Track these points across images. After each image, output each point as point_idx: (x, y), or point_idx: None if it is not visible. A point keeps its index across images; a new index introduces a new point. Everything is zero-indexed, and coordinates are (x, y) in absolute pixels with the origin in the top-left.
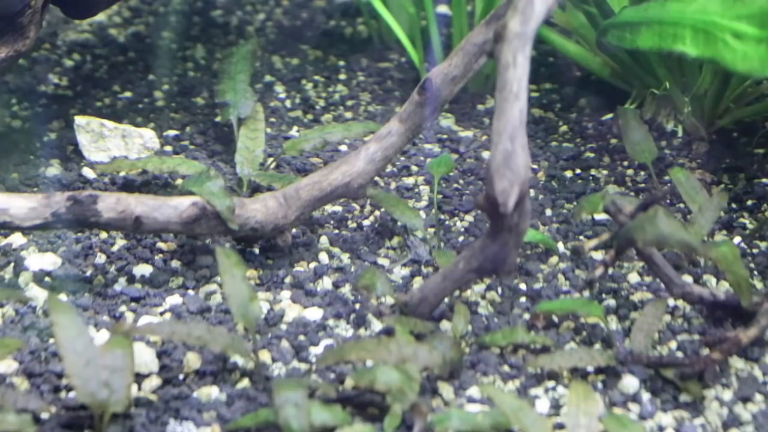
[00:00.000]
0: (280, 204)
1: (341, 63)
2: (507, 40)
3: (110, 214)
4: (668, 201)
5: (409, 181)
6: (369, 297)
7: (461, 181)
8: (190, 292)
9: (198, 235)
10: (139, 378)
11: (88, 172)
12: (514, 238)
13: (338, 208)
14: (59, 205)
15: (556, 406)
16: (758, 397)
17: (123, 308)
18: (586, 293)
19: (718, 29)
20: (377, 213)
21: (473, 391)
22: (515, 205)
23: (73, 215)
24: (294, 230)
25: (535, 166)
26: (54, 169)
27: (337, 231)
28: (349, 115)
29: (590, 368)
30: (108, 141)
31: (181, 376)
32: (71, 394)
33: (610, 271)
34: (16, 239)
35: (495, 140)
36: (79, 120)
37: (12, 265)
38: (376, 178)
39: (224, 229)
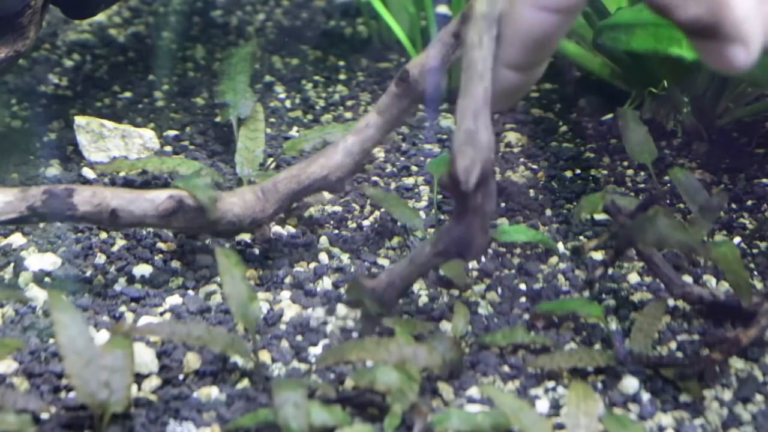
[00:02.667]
0: (258, 197)
1: (341, 63)
2: (473, 20)
3: (86, 207)
4: (668, 201)
5: (409, 181)
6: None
7: None
8: (190, 292)
9: (175, 229)
10: (139, 378)
11: (88, 173)
12: (479, 219)
13: (338, 209)
14: (35, 199)
15: (556, 406)
16: (758, 397)
17: (123, 308)
18: (586, 293)
19: None
20: (377, 213)
21: (473, 392)
22: (478, 183)
23: (49, 209)
24: (295, 230)
25: (535, 166)
26: (54, 169)
27: (337, 231)
28: (349, 115)
29: (590, 368)
30: (108, 141)
31: (181, 377)
32: (71, 394)
33: (610, 271)
34: (16, 239)
35: (458, 119)
36: (79, 120)
37: (12, 265)
38: (376, 178)
39: (202, 223)
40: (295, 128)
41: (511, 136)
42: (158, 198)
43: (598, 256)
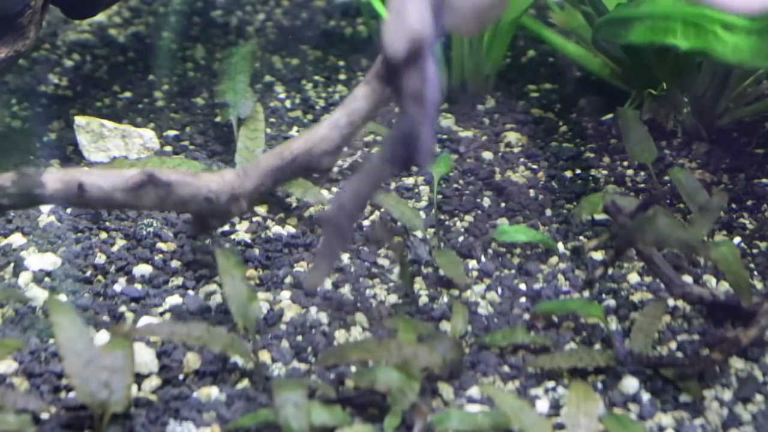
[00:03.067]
0: (238, 175)
1: (341, 63)
2: None
3: (55, 184)
4: (668, 201)
5: (409, 181)
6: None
7: (461, 181)
8: (190, 292)
9: (149, 208)
10: (139, 378)
11: None
12: (421, 108)
13: None
14: (5, 180)
15: (556, 406)
16: (758, 397)
17: (123, 308)
18: (586, 293)
19: (708, 21)
20: (377, 213)
21: (473, 391)
22: (409, 60)
23: (19, 188)
24: (295, 230)
25: (535, 166)
26: (54, 170)
27: None
28: None
29: (590, 368)
30: (108, 141)
31: (181, 377)
32: (71, 394)
33: (610, 271)
34: (16, 239)
35: (389, 4)
36: (79, 120)
37: (12, 265)
38: None
39: (175, 199)
40: (295, 128)
41: (511, 136)
42: (129, 173)
43: (598, 256)
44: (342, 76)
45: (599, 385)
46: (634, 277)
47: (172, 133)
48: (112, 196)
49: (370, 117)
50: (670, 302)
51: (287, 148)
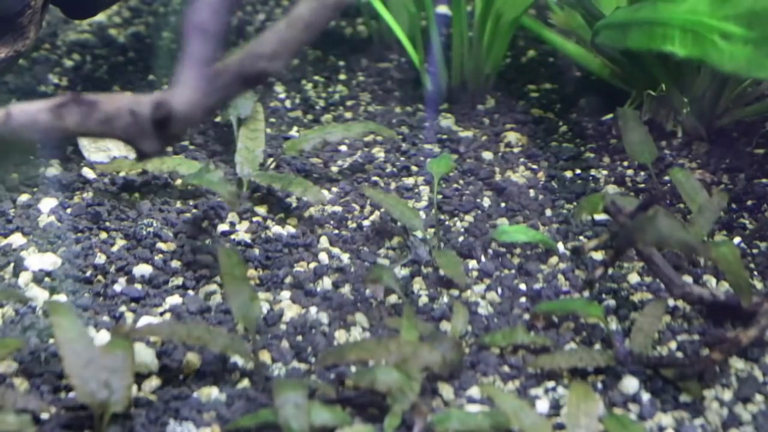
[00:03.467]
0: (167, 90)
1: (341, 63)
2: None
3: None
4: (668, 201)
5: (409, 181)
6: (376, 290)
7: (461, 181)
8: (190, 292)
9: (77, 132)
10: (139, 378)
11: (88, 173)
12: None
13: (338, 209)
14: None
15: (556, 406)
16: (758, 397)
17: (123, 308)
18: (586, 293)
19: (707, 29)
20: (377, 213)
21: (473, 391)
22: None
23: None
24: (295, 230)
25: (535, 166)
26: (54, 170)
27: (337, 231)
28: (349, 115)
29: (590, 368)
30: (108, 141)
31: (181, 377)
32: (71, 395)
33: (610, 271)
34: (16, 239)
35: None
36: None
37: (12, 265)
38: (376, 179)
39: (100, 117)
40: (295, 128)
41: (511, 136)
42: (54, 97)
43: (598, 256)
44: (342, 76)
45: (599, 385)
46: (634, 277)
47: None
48: (36, 118)
49: (312, 23)
50: (670, 302)
51: (222, 59)
